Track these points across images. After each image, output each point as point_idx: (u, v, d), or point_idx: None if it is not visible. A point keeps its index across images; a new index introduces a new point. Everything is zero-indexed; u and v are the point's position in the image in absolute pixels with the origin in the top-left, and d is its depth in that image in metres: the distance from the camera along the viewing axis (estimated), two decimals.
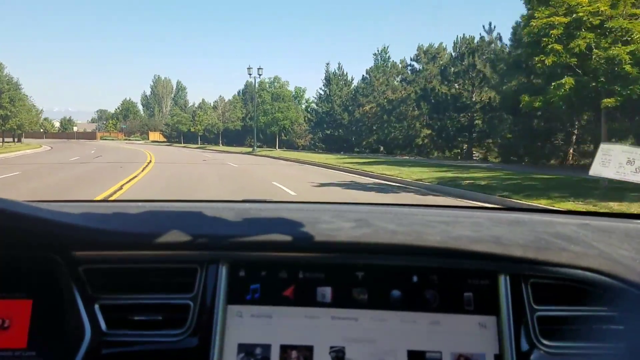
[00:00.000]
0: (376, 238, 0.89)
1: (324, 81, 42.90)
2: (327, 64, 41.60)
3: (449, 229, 0.94)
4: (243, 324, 0.85)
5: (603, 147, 2.27)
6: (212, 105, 60.77)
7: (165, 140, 71.45)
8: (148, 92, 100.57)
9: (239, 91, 62.29)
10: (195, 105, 68.49)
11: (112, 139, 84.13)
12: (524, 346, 0.83)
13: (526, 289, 0.87)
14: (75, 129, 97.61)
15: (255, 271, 0.88)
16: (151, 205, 1.15)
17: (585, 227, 1.01)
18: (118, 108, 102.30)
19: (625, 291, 0.81)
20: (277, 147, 41.31)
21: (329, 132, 40.07)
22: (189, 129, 60.46)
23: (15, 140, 49.33)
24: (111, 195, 9.51)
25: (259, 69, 36.88)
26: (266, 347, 0.83)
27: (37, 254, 0.87)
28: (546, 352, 0.83)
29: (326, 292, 0.87)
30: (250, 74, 37.13)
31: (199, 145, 54.37)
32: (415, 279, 0.87)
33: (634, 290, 0.81)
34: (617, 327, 0.83)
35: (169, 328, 0.87)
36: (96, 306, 0.88)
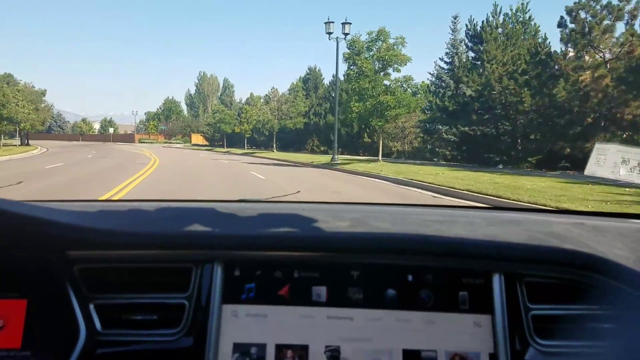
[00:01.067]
0: (371, 237, 0.89)
1: (468, 39, 26.44)
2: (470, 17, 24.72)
3: (444, 229, 0.96)
4: (238, 323, 0.85)
5: (598, 146, 2.08)
6: (262, 99, 45.89)
7: (207, 143, 58.44)
8: (193, 91, 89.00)
9: (300, 78, 47.65)
10: (243, 102, 54.89)
11: (151, 142, 73.15)
12: (519, 345, 0.83)
13: (521, 288, 0.87)
14: (111, 130, 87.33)
15: (250, 270, 0.87)
16: (146, 205, 1.15)
17: (580, 227, 1.01)
18: (160, 108, 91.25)
19: (619, 290, 0.81)
20: (365, 154, 25.90)
21: (467, 129, 23.07)
22: (233, 129, 46.50)
23: (25, 140, 42.79)
24: None
25: (345, 23, 21.16)
26: (261, 347, 0.83)
27: (31, 253, 0.87)
28: (540, 350, 0.83)
29: (321, 291, 0.86)
30: (330, 33, 21.61)
31: (245, 151, 41.26)
32: (410, 278, 0.87)
33: (627, 289, 0.80)
34: (611, 326, 0.83)
35: (164, 328, 0.86)
36: (91, 306, 0.87)
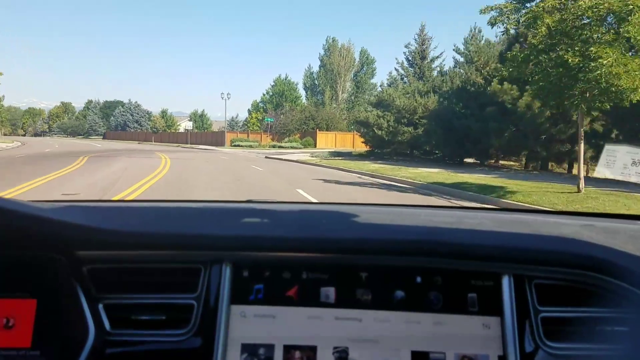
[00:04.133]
0: (380, 239, 0.89)
1: None
2: None
3: (453, 230, 0.95)
4: (246, 324, 0.85)
5: (608, 148, 2.09)
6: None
7: (369, 148, 28.96)
8: (315, 67, 61.65)
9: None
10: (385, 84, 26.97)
11: (251, 144, 45.58)
12: (528, 347, 0.83)
13: (530, 290, 0.87)
14: (186, 126, 64.00)
15: (258, 271, 0.88)
16: (155, 206, 1.16)
17: (589, 228, 1.00)
18: (267, 93, 64.87)
19: (630, 292, 0.80)
20: None
21: None
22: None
23: None
24: None
25: None
26: (269, 347, 0.83)
27: (41, 253, 0.87)
28: (550, 353, 0.82)
29: (330, 292, 0.86)
30: None
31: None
32: (419, 279, 0.87)
33: (638, 291, 0.79)
34: (621, 329, 0.82)
35: (173, 328, 0.87)
36: (100, 306, 0.88)
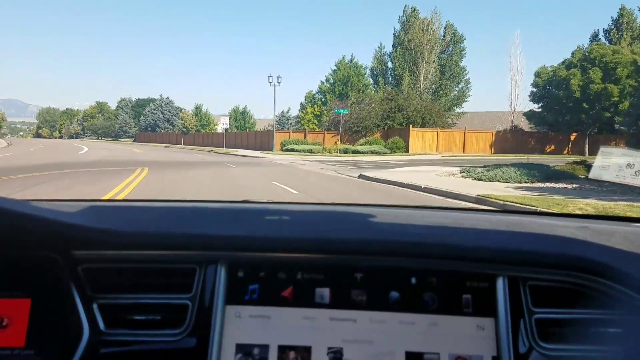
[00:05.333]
0: (375, 240, 0.89)
1: None
2: None
3: (449, 231, 0.95)
4: (241, 324, 0.85)
5: (603, 150, 2.04)
6: None
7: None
8: (388, 47, 48.12)
9: None
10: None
11: (310, 147, 31.80)
12: (522, 348, 0.83)
13: (524, 291, 0.87)
14: (220, 128, 51.56)
15: (253, 272, 0.88)
16: (150, 206, 1.16)
17: (584, 230, 1.00)
18: (326, 80, 48.81)
19: (624, 294, 0.81)
20: None
21: None
22: None
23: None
24: None
25: None
26: (264, 348, 0.83)
27: (36, 253, 0.88)
28: (544, 354, 0.83)
29: (325, 293, 0.86)
30: None
31: None
32: (414, 280, 0.87)
33: (632, 294, 0.80)
34: (615, 330, 0.82)
35: (168, 328, 0.87)
36: (95, 305, 0.88)
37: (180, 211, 1.09)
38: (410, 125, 31.76)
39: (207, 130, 62.89)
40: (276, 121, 43.66)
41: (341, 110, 32.60)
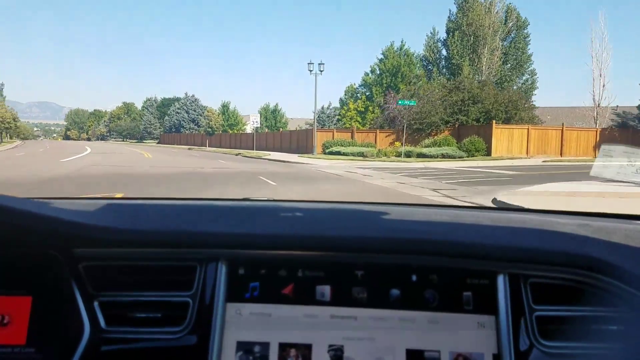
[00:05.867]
0: (376, 237, 0.89)
1: None
2: None
3: (450, 229, 0.94)
4: (242, 321, 0.86)
5: (604, 147, 2.03)
6: None
7: None
8: (442, 34, 41.19)
9: None
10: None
11: (361, 150, 25.48)
12: (523, 346, 0.84)
13: (525, 288, 0.87)
14: (250, 127, 45.79)
15: (254, 269, 0.88)
16: (152, 203, 1.16)
17: (585, 228, 0.99)
18: (371, 71, 41.36)
19: (625, 291, 0.80)
20: None
21: None
22: None
23: None
24: None
25: None
26: (265, 345, 0.84)
27: (37, 250, 0.88)
28: (545, 352, 0.83)
29: (325, 290, 0.87)
30: None
31: None
32: (414, 278, 0.87)
33: (633, 291, 0.79)
34: (616, 328, 0.82)
35: (168, 325, 0.87)
36: (95, 303, 0.89)
37: (181, 209, 1.08)
38: (494, 121, 25.02)
39: (235, 131, 57.23)
40: (316, 118, 37.43)
41: (407, 102, 25.93)
